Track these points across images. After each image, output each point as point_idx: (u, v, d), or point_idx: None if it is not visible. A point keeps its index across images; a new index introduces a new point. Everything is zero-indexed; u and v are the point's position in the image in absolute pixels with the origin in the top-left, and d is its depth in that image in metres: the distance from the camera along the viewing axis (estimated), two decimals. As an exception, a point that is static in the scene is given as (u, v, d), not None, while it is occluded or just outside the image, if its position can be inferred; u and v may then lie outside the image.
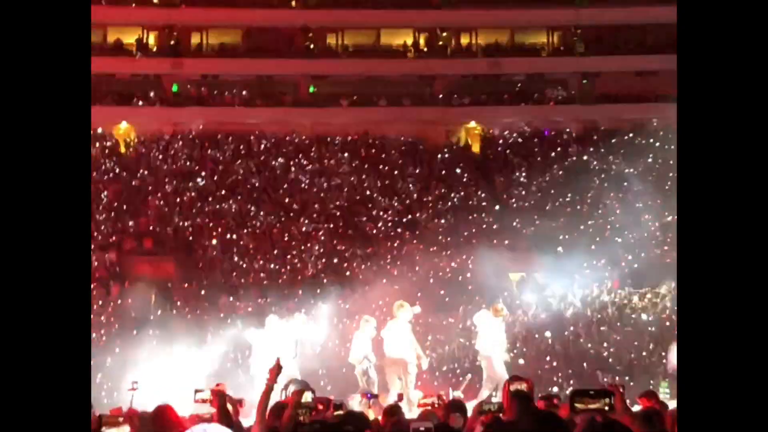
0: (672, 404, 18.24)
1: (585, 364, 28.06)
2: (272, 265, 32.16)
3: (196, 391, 11.77)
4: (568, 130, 39.21)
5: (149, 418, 11.09)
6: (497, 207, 35.01)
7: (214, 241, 33.69)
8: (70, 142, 3.15)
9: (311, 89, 41.02)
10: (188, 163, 37.22)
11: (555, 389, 25.82)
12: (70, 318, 2.86)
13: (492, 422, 9.95)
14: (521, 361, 25.89)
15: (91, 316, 28.40)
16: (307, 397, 12.19)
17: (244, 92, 40.48)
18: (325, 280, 30.42)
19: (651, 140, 35.91)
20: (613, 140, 37.54)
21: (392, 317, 21.42)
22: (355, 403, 19.19)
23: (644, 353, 28.40)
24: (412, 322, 21.39)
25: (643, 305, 30.11)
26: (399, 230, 32.85)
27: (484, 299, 25.47)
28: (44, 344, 2.75)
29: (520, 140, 38.79)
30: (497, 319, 21.95)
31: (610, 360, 28.34)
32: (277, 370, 10.94)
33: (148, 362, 26.11)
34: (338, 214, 34.44)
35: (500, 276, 31.29)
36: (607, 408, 6.56)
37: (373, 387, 20.79)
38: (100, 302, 29.56)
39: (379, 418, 12.98)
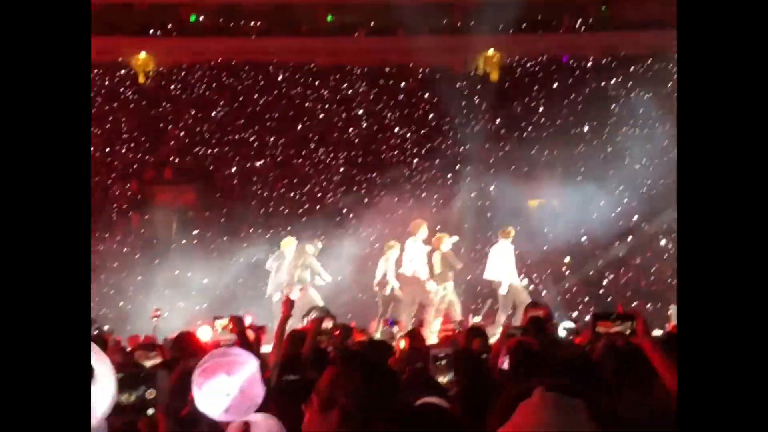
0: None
1: (602, 291, 28.23)
2: (292, 194, 32.29)
3: (215, 318, 11.93)
4: (587, 57, 38.94)
5: (171, 343, 11.26)
6: (516, 135, 34.96)
7: (234, 170, 33.84)
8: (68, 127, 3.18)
9: (329, 18, 40.84)
10: (207, 93, 37.23)
11: (575, 314, 26.05)
12: (68, 309, 2.92)
13: (518, 346, 10.02)
14: (540, 288, 26.05)
15: (114, 245, 28.84)
16: (328, 324, 12.33)
17: (261, 22, 40.28)
18: (344, 209, 30.55)
19: (671, 66, 35.70)
20: (633, 67, 37.32)
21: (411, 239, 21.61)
22: (377, 330, 19.43)
23: (663, 279, 28.52)
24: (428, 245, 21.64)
25: (661, 230, 30.17)
26: (418, 159, 32.89)
27: (502, 226, 25.57)
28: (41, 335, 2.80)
29: (538, 68, 38.60)
30: (506, 241, 22.06)
31: (629, 286, 28.49)
32: (288, 304, 11.08)
33: (170, 290, 26.39)
34: (357, 142, 34.47)
35: (519, 203, 31.37)
36: (629, 332, 6.63)
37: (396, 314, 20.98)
38: (122, 231, 29.81)
39: (401, 344, 13.12)
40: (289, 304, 11.31)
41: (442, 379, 7.09)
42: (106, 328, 19.11)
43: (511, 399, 3.65)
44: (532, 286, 24.18)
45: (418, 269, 21.07)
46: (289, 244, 22.90)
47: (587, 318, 21.96)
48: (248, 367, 3.46)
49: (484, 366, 8.82)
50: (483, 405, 6.49)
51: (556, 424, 3.35)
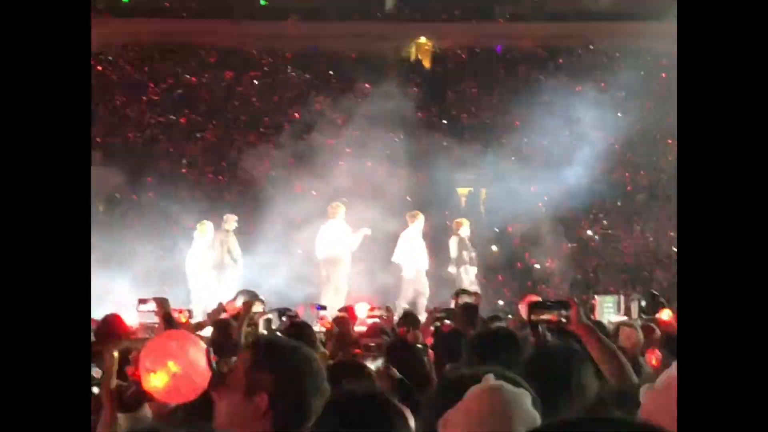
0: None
1: (530, 282, 28.45)
2: (220, 177, 32.18)
3: (140, 301, 11.86)
4: (519, 47, 39.11)
5: (97, 327, 11.17)
6: (447, 123, 35.06)
7: (164, 153, 33.67)
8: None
9: (262, 2, 40.67)
10: (138, 76, 36.94)
11: (501, 302, 26.25)
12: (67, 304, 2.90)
13: (440, 331, 10.09)
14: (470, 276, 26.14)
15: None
16: (258, 307, 12.25)
17: (193, 4, 40.02)
18: (273, 195, 30.42)
19: (603, 58, 36.02)
20: (564, 58, 37.58)
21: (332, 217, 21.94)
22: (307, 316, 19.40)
23: (588, 271, 28.83)
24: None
25: (587, 223, 30.48)
26: (349, 146, 32.82)
27: (429, 213, 25.62)
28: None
29: (471, 57, 38.72)
30: (413, 225, 22.37)
31: (556, 275, 28.73)
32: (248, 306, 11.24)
33: (95, 274, 26.14)
34: (287, 127, 34.35)
35: (449, 191, 31.51)
36: (564, 320, 6.71)
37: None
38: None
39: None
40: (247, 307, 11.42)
41: (372, 366, 7.07)
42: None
43: (460, 384, 3.68)
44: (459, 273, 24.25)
45: (341, 250, 21.34)
46: (204, 228, 23.03)
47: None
48: (195, 349, 3.45)
49: (418, 356, 8.84)
50: (417, 391, 6.54)
51: (504, 411, 3.39)
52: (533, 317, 6.90)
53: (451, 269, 22.19)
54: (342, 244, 21.56)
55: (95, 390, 3.41)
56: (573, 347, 5.96)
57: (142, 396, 3.31)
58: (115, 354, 3.52)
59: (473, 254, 22.63)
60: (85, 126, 3.18)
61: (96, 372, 3.42)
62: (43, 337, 2.83)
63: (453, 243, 22.49)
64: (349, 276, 21.86)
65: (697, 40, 3.15)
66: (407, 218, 22.85)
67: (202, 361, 3.43)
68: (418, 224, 22.55)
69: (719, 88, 3.08)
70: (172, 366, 3.34)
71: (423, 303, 21.24)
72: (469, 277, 22.23)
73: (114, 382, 3.41)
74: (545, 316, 6.81)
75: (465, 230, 22.53)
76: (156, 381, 3.32)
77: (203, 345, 3.44)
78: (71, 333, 2.92)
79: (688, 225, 2.68)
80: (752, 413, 2.26)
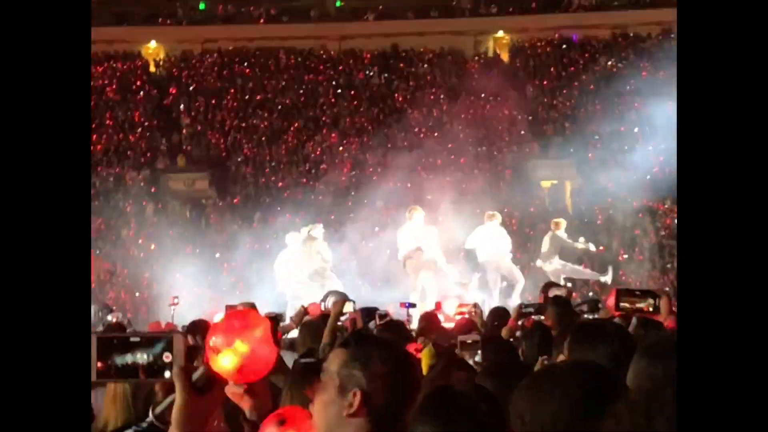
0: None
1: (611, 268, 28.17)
2: (304, 180, 32.33)
3: (228, 307, 11.96)
4: (597, 36, 38.83)
5: (187, 330, 11.27)
6: (528, 116, 34.96)
7: (246, 157, 33.92)
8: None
9: (337, 3, 40.83)
10: (218, 81, 37.28)
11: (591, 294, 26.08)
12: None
13: (534, 327, 9.99)
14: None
15: (129, 234, 28.97)
16: (349, 307, 12.30)
17: (270, 8, 40.29)
18: (353, 193, 30.49)
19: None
20: (643, 45, 37.26)
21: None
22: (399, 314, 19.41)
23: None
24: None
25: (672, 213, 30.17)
26: (430, 142, 32.80)
27: (514, 207, 25.56)
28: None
29: (548, 48, 38.55)
30: (492, 223, 22.36)
31: (644, 267, 28.48)
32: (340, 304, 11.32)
33: (186, 278, 26.47)
34: (369, 127, 34.46)
35: (532, 184, 31.40)
36: (651, 309, 6.62)
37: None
38: (136, 221, 29.89)
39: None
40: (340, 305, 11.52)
41: (470, 359, 7.07)
42: (120, 317, 19.14)
43: (552, 375, 3.68)
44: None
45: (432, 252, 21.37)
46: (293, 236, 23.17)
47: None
48: (261, 328, 3.49)
49: (514, 353, 8.76)
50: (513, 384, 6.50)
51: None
52: (622, 304, 6.82)
53: (539, 263, 22.26)
54: (422, 245, 21.53)
55: (167, 374, 3.49)
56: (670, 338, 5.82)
57: (212, 378, 3.37)
58: (182, 338, 3.58)
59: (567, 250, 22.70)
60: (85, 124, 3.21)
61: (167, 356, 3.50)
62: (43, 335, 2.87)
63: (547, 240, 22.57)
64: (434, 277, 21.77)
65: (698, 39, 3.13)
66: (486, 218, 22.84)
67: (268, 338, 3.47)
68: (494, 224, 22.53)
69: (719, 88, 3.05)
70: (239, 345, 3.38)
71: (518, 291, 21.30)
72: (560, 271, 22.27)
73: (184, 363, 3.47)
74: (636, 305, 6.74)
75: (562, 231, 22.61)
76: (224, 361, 3.38)
77: (268, 323, 3.48)
78: (71, 332, 2.96)
79: (688, 224, 2.66)
80: (753, 413, 2.25)
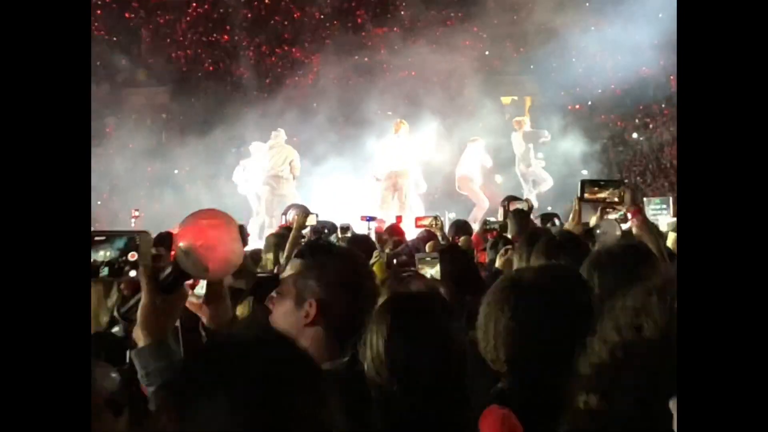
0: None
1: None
2: (265, 94, 32.14)
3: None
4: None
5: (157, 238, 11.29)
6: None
7: (208, 72, 33.72)
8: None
9: None
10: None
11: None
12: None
13: (496, 239, 10.08)
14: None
15: (91, 148, 28.76)
16: (312, 220, 12.39)
17: None
18: (315, 104, 30.31)
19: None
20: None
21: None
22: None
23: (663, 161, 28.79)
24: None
25: (633, 127, 30.27)
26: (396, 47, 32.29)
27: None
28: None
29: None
30: (474, 145, 22.62)
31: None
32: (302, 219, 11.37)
33: (147, 191, 26.43)
34: (329, 42, 34.18)
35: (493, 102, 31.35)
36: (616, 199, 6.66)
37: None
38: (96, 134, 29.71)
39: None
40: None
41: (428, 272, 7.13)
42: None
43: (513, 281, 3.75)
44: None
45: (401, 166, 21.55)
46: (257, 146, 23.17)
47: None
48: (229, 226, 3.51)
49: (471, 262, 8.83)
50: (470, 292, 6.57)
51: None
52: (587, 196, 6.85)
53: (520, 169, 22.63)
54: (403, 160, 21.59)
55: (132, 273, 3.51)
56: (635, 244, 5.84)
57: (179, 277, 3.39)
58: (150, 237, 3.59)
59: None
60: (84, 118, 3.19)
61: (132, 255, 3.52)
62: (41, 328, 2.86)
63: (516, 139, 22.88)
64: (410, 192, 21.82)
65: (698, 36, 3.13)
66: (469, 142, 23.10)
67: (236, 237, 3.49)
68: (475, 145, 22.81)
69: (720, 88, 3.05)
70: (206, 243, 3.39)
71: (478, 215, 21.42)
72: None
73: (149, 263, 3.50)
74: (600, 195, 6.78)
75: (527, 126, 22.98)
76: (190, 260, 3.38)
77: (235, 222, 3.50)
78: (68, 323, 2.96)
79: (688, 225, 2.67)
80: (753, 413, 2.28)
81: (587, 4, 31.33)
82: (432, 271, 7.22)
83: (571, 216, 7.57)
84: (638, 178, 29.59)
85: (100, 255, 3.47)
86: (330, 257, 4.02)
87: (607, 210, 7.89)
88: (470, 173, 22.39)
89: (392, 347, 3.68)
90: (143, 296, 3.37)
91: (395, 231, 13.63)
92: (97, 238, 3.48)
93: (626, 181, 19.44)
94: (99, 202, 26.67)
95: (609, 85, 30.42)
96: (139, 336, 3.35)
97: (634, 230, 6.58)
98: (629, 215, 6.69)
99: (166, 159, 28.37)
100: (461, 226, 13.31)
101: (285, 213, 14.83)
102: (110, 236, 3.53)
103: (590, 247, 6.18)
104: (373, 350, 3.70)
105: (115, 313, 3.73)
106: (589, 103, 30.93)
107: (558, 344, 3.09)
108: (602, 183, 6.91)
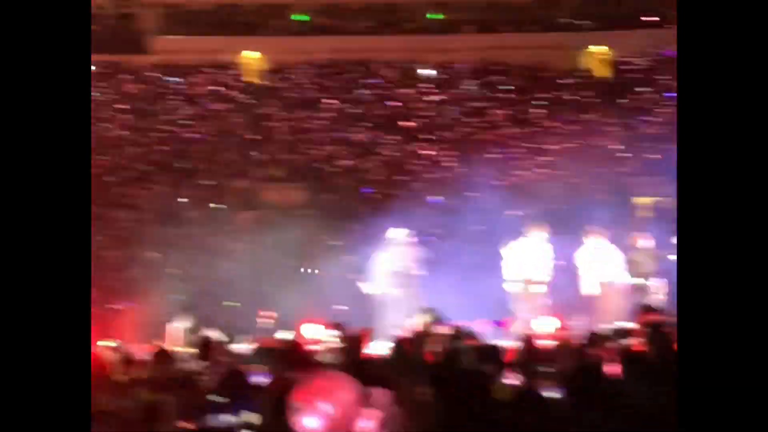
0: None
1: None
2: (399, 192, 32.32)
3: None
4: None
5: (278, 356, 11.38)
6: (624, 132, 34.58)
7: (342, 168, 34.05)
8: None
9: (433, 16, 40.76)
10: (314, 92, 37.45)
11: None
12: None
13: (633, 357, 9.76)
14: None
15: (225, 242, 29.17)
16: (440, 328, 12.35)
17: (366, 21, 40.38)
18: (449, 204, 30.33)
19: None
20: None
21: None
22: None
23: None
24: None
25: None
26: (526, 157, 32.56)
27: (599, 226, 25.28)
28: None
29: (644, 64, 38.12)
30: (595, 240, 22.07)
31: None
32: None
33: (279, 290, 26.56)
34: (463, 139, 34.41)
35: (624, 202, 31.02)
36: None
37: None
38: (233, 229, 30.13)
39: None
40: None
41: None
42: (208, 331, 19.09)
43: None
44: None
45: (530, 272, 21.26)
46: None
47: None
48: (347, 391, 3.61)
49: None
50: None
51: None
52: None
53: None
54: (534, 265, 21.37)
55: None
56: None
57: None
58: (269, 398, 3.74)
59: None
60: (85, 122, 3.29)
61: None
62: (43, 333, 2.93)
63: (637, 256, 22.25)
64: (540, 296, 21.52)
65: (698, 40, 3.14)
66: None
67: (353, 402, 3.58)
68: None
69: (720, 88, 3.05)
70: (323, 408, 3.50)
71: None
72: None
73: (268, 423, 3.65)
74: None
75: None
76: (307, 422, 3.49)
77: (354, 387, 3.59)
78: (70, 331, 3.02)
79: (688, 225, 2.68)
80: (753, 413, 2.28)
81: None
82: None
83: None
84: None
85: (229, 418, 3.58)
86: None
87: None
88: None
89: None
90: None
91: (530, 343, 13.42)
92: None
93: None
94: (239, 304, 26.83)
95: None
96: None
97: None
98: None
99: (299, 255, 28.54)
100: (593, 339, 13.08)
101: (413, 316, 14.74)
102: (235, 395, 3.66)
103: None
104: None
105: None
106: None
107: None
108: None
